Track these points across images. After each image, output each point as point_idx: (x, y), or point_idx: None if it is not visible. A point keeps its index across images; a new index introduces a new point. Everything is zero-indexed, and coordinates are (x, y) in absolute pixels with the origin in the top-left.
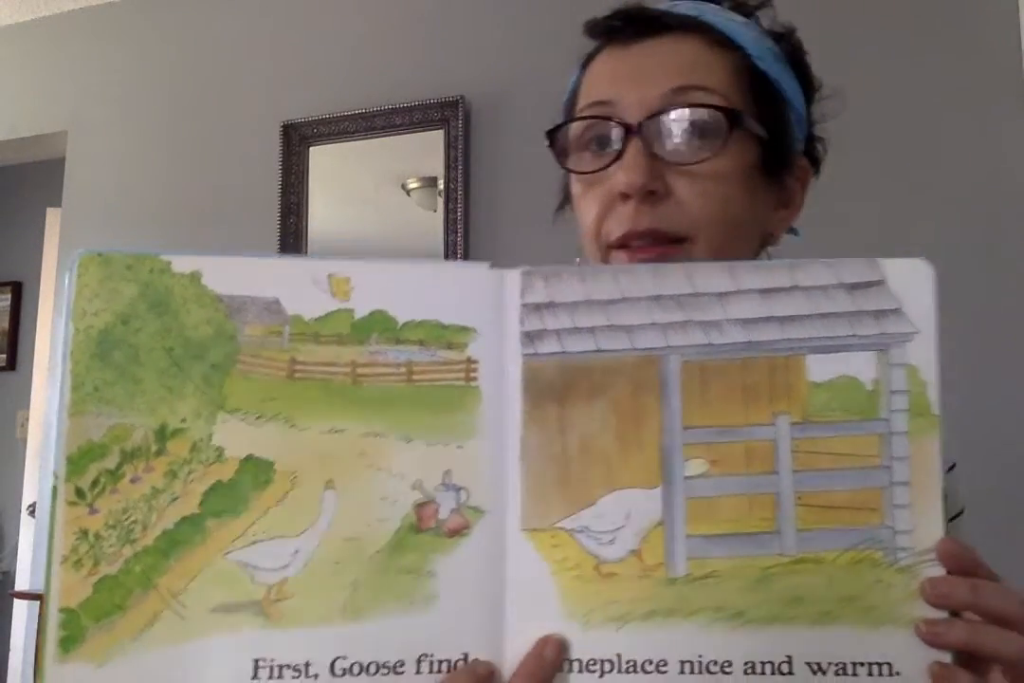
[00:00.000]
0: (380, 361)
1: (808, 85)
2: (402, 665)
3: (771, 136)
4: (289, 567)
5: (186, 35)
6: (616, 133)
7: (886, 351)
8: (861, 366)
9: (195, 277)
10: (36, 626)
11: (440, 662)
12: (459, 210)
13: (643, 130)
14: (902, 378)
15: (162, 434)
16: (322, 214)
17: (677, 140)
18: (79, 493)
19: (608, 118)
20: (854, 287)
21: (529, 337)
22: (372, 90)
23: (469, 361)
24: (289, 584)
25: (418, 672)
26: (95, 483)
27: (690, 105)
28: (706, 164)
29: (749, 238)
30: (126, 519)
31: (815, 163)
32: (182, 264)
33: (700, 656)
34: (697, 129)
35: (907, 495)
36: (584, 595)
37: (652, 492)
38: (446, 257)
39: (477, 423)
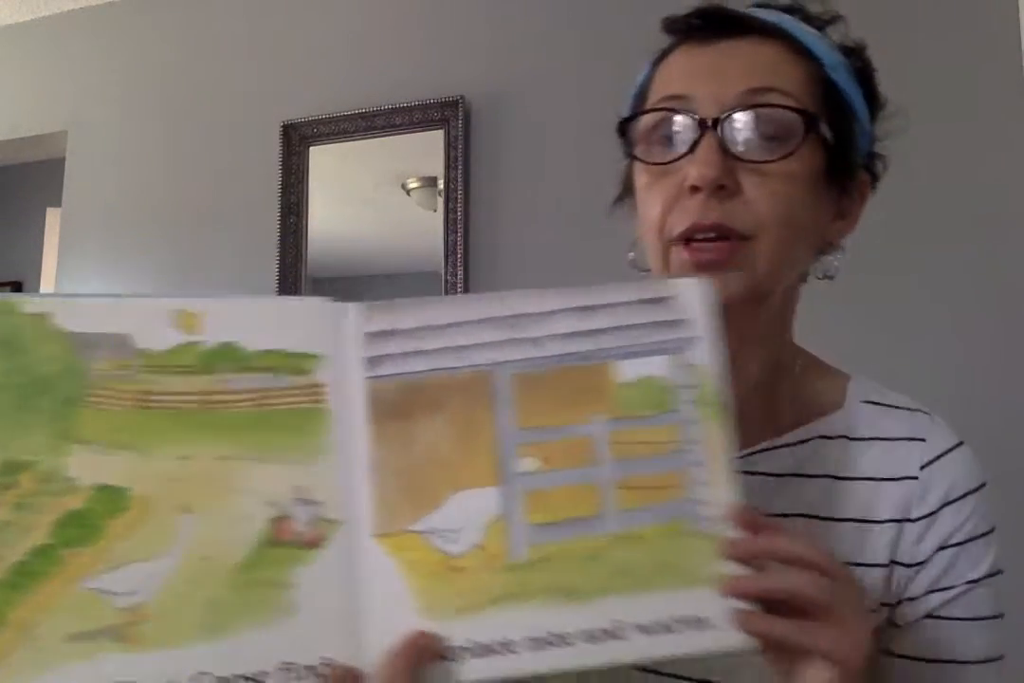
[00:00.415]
0: (230, 388)
1: (874, 101)
2: (265, 675)
3: (839, 145)
4: (144, 591)
5: (186, 35)
6: (690, 127)
7: (678, 353)
8: (658, 367)
9: (43, 317)
10: None
11: (303, 668)
12: (459, 210)
13: (718, 126)
14: (690, 375)
15: (8, 467)
16: (322, 214)
17: (751, 138)
18: None
19: (683, 112)
20: (650, 302)
21: (371, 362)
22: (372, 90)
23: (316, 385)
24: (145, 607)
25: (279, 681)
26: None
27: (767, 105)
28: (777, 164)
29: (809, 243)
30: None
31: (874, 179)
32: (31, 306)
33: (545, 632)
34: (771, 129)
35: (703, 472)
36: (435, 590)
37: (491, 490)
38: (446, 257)
39: (327, 441)
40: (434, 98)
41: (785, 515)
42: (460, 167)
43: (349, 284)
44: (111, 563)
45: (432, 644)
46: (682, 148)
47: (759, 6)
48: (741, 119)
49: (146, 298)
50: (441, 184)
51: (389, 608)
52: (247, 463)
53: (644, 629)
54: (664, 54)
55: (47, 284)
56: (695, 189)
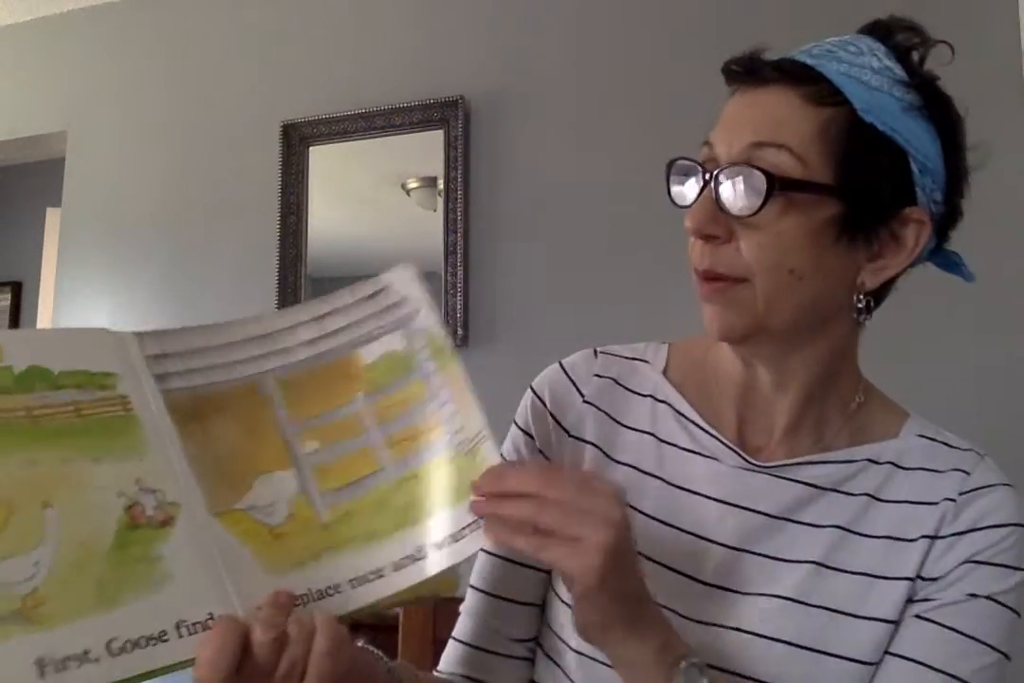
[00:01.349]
0: (49, 403)
1: (948, 135)
2: (165, 634)
3: (860, 192)
4: (35, 577)
5: (186, 35)
6: (699, 177)
7: (405, 327)
8: (393, 342)
9: None
10: None
11: (194, 624)
12: (459, 210)
13: (713, 180)
14: (419, 338)
15: None
16: (322, 214)
17: (729, 194)
18: None
19: (700, 162)
20: (370, 297)
21: (159, 378)
22: (372, 90)
23: (122, 396)
24: (40, 591)
25: (179, 636)
26: None
27: (747, 164)
28: (761, 218)
29: (818, 286)
30: None
31: (955, 213)
32: None
33: (364, 571)
34: (749, 186)
35: (453, 406)
36: (270, 553)
37: (287, 472)
38: (446, 257)
39: (146, 441)
40: (434, 98)
41: (816, 525)
42: (460, 167)
43: (349, 284)
44: None
45: (286, 597)
46: (692, 196)
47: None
48: (727, 174)
49: None
50: (441, 184)
51: (242, 569)
52: (88, 462)
53: (439, 545)
54: (732, 94)
55: (47, 284)
56: (693, 235)
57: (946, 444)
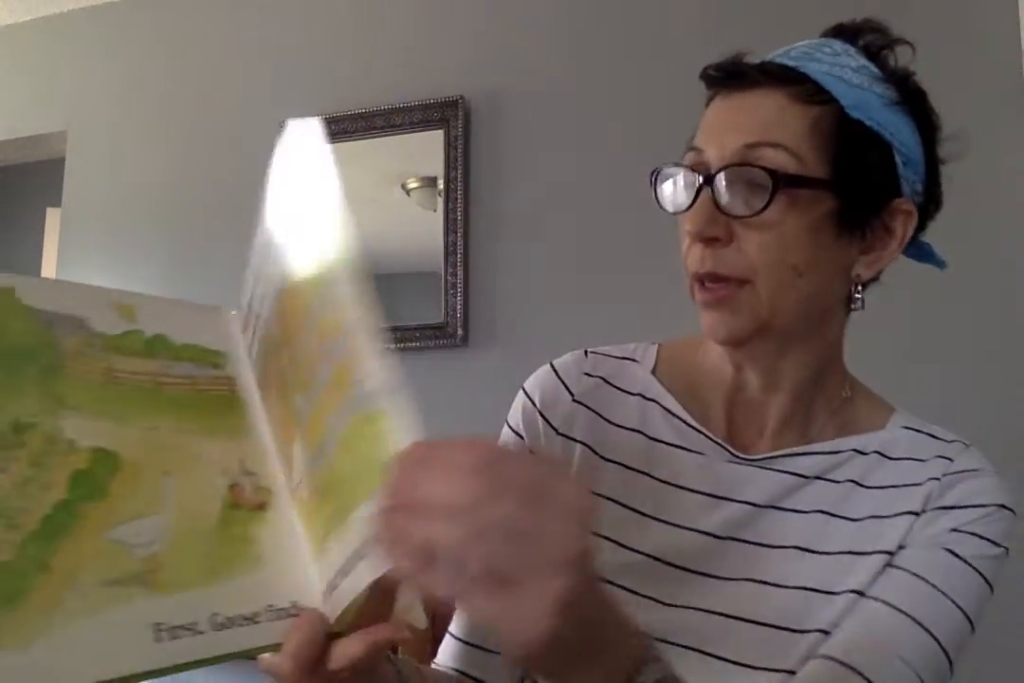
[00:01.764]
0: (170, 373)
1: (926, 128)
2: (258, 615)
3: (853, 185)
4: (155, 543)
5: (186, 35)
6: (694, 181)
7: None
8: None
9: (9, 291)
10: None
11: (279, 610)
12: (459, 210)
13: (711, 182)
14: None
15: (16, 427)
16: None
17: (733, 194)
18: None
19: (689, 167)
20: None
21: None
22: (372, 90)
23: (229, 377)
24: (159, 557)
25: (268, 620)
26: None
27: (745, 164)
28: (764, 217)
29: (822, 280)
30: (5, 507)
31: (935, 202)
32: None
33: (355, 550)
34: (749, 186)
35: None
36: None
37: (298, 444)
38: (446, 257)
39: (248, 424)
40: (434, 98)
41: (801, 511)
42: (460, 167)
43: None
44: (121, 517)
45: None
46: (687, 200)
47: (831, 34)
48: (726, 176)
49: (86, 286)
50: (441, 184)
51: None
52: (202, 437)
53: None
54: (709, 100)
55: None
56: (694, 238)
57: (932, 436)
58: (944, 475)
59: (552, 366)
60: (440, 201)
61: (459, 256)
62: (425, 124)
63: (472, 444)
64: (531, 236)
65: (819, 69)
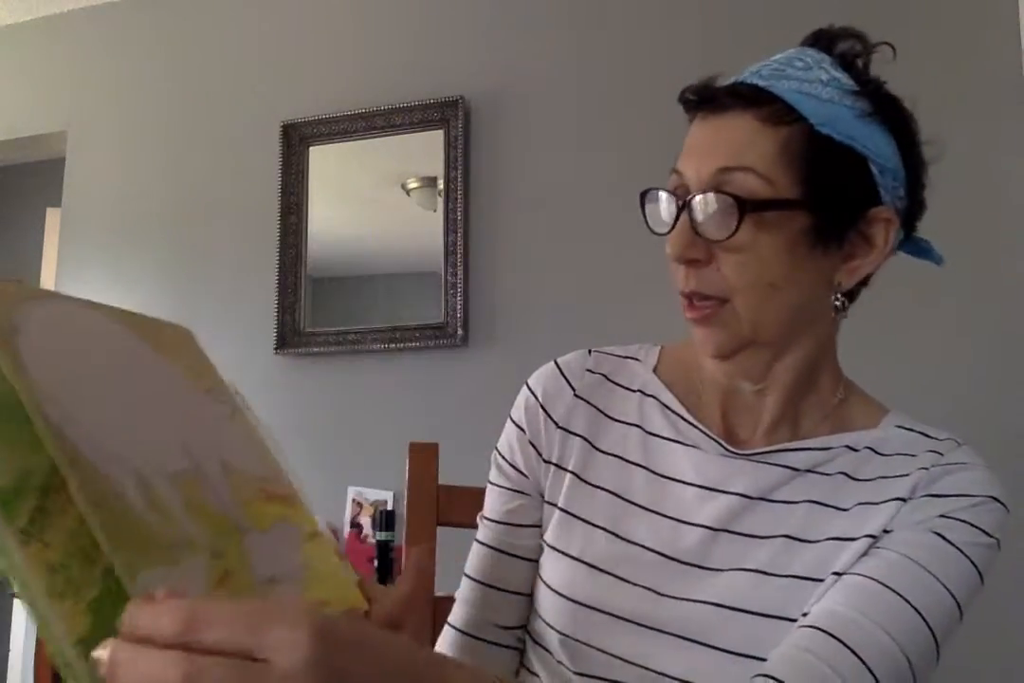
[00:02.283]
0: None
1: (903, 135)
2: None
3: (827, 201)
4: None
5: (186, 35)
6: (673, 205)
7: None
8: None
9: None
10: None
11: None
12: (459, 210)
13: (689, 206)
14: None
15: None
16: (322, 214)
17: (706, 218)
18: (25, 533)
19: (671, 190)
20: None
21: None
22: (372, 90)
23: None
24: None
25: None
26: (32, 521)
27: (717, 190)
28: (736, 239)
29: (797, 294)
30: (76, 544)
31: (919, 205)
32: None
33: None
34: (722, 210)
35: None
36: None
37: None
38: (446, 257)
39: None
40: (434, 98)
41: (791, 502)
42: (460, 167)
43: (349, 284)
44: None
45: None
46: (668, 223)
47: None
48: (700, 201)
49: None
50: (441, 184)
51: None
52: None
53: None
54: (691, 121)
55: (47, 284)
56: (675, 260)
57: (924, 434)
58: (934, 466)
59: (556, 363)
60: (440, 201)
61: (459, 256)
62: (425, 124)
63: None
64: (531, 236)
65: (788, 87)
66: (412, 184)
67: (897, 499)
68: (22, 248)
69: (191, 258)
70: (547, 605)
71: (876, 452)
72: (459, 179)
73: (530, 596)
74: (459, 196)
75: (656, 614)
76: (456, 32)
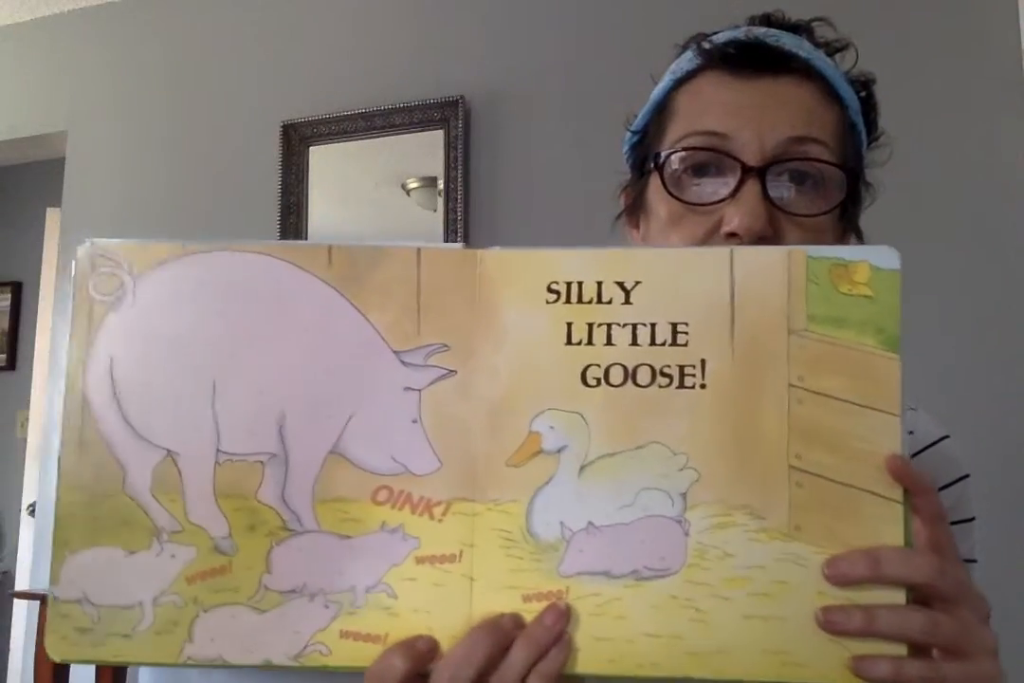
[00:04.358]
0: None
1: (872, 132)
2: None
3: (856, 192)
4: None
5: (186, 35)
6: (732, 170)
7: None
8: None
9: None
10: (37, 625)
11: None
12: (459, 210)
13: (764, 174)
14: None
15: None
16: (322, 214)
17: (796, 192)
18: None
19: (727, 153)
20: None
21: None
22: (372, 90)
23: None
24: None
25: None
26: None
27: (813, 159)
28: (815, 218)
29: None
30: None
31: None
32: None
33: None
34: (817, 184)
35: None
36: None
37: None
38: None
39: None
40: (434, 98)
41: None
42: (460, 167)
43: None
44: None
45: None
46: (722, 191)
47: (767, 23)
48: (786, 170)
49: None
50: (441, 184)
51: None
52: None
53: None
54: (690, 76)
55: (47, 284)
56: (732, 236)
57: None
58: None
59: None
60: (440, 201)
61: None
62: (425, 124)
63: None
64: (531, 236)
65: (830, 66)
66: (412, 184)
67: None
68: (22, 248)
69: None
70: None
71: None
72: (459, 179)
73: None
74: (459, 196)
75: None
76: (456, 32)
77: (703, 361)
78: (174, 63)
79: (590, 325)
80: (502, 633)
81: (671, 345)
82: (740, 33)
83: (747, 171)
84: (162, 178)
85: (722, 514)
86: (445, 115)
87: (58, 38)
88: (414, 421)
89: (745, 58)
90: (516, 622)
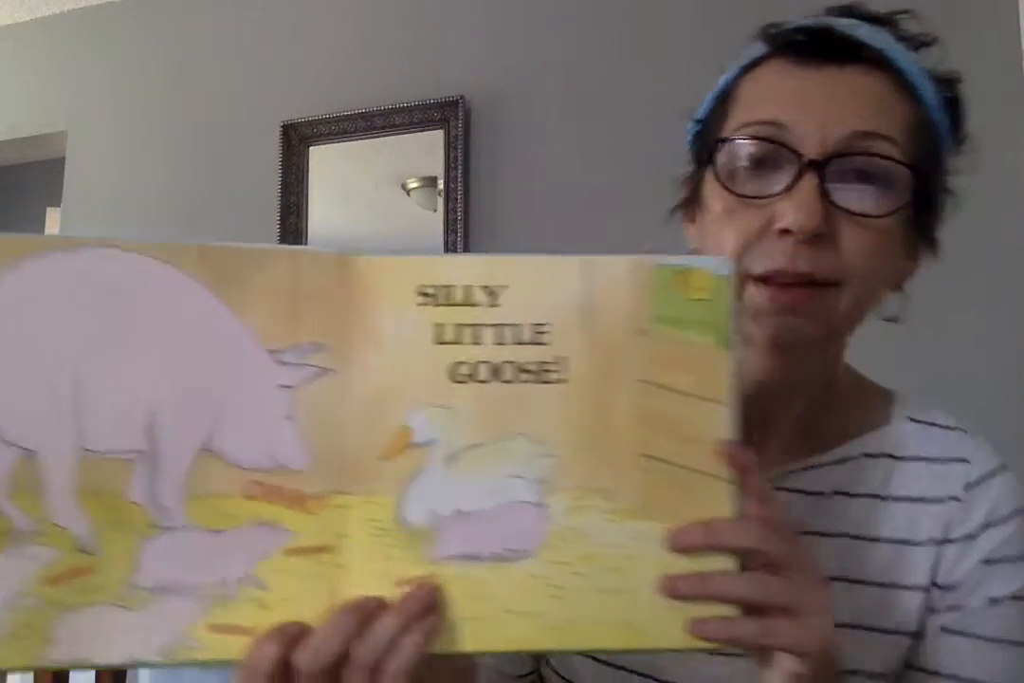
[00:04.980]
0: None
1: (957, 135)
2: None
3: (932, 192)
4: None
5: (186, 35)
6: (790, 163)
7: None
8: None
9: None
10: None
11: None
12: (459, 210)
13: (823, 169)
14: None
15: None
16: (322, 214)
17: (859, 190)
18: None
19: (784, 145)
20: None
21: None
22: (372, 90)
23: None
24: None
25: None
26: None
27: (878, 155)
28: (879, 219)
29: (888, 287)
30: None
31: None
32: None
33: None
34: (878, 181)
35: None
36: None
37: None
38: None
39: None
40: (434, 98)
41: (827, 534)
42: (460, 167)
43: None
44: None
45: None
46: (777, 184)
47: (848, 14)
48: (848, 166)
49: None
50: (441, 184)
51: None
52: None
53: None
54: (756, 63)
55: None
56: (786, 232)
57: (935, 425)
58: (965, 489)
59: None
60: (440, 201)
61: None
62: (425, 124)
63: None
64: (531, 236)
65: (908, 58)
66: (412, 184)
67: (932, 541)
68: None
69: None
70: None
71: (894, 457)
72: (459, 179)
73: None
74: (459, 196)
75: (679, 672)
76: (456, 32)
77: (562, 359)
78: (174, 63)
79: (459, 326)
80: (366, 612)
81: (534, 344)
82: (811, 21)
83: (805, 165)
84: (162, 178)
85: (578, 498)
86: (445, 115)
87: (58, 38)
88: (287, 417)
89: (812, 45)
90: (380, 603)
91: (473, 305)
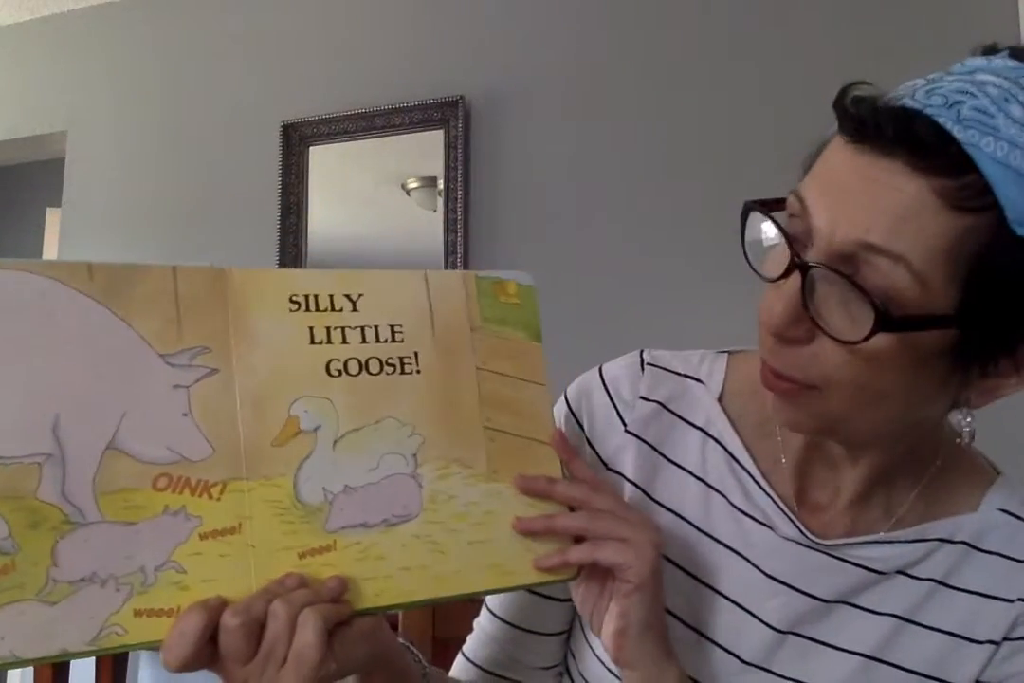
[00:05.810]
0: None
1: None
2: None
3: (987, 322)
4: None
5: (186, 35)
6: (786, 256)
7: None
8: None
9: None
10: None
11: None
12: (459, 210)
13: (807, 273)
14: None
15: None
16: (322, 214)
17: (823, 302)
18: None
19: (787, 233)
20: None
21: None
22: (372, 90)
23: None
24: None
25: None
26: None
27: (852, 283)
28: (862, 344)
29: (908, 405)
30: None
31: None
32: None
33: None
34: (847, 303)
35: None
36: None
37: None
38: (445, 257)
39: None
40: (434, 98)
41: (876, 612)
42: (460, 167)
43: None
44: None
45: (293, 580)
46: (772, 273)
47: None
48: (826, 279)
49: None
50: (441, 184)
51: None
52: None
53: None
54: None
55: None
56: (767, 331)
57: None
58: None
59: (602, 378)
60: (440, 201)
61: (459, 256)
62: (425, 124)
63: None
64: (531, 237)
65: (993, 153)
66: (412, 184)
67: (991, 642)
68: (22, 248)
69: (191, 258)
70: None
71: (972, 547)
72: (459, 179)
73: (566, 633)
74: (459, 196)
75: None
76: (456, 32)
77: (416, 353)
78: (174, 63)
79: (328, 328)
80: (285, 587)
81: (392, 342)
82: (885, 100)
83: (795, 264)
84: (162, 178)
85: (443, 467)
86: (445, 115)
87: (58, 38)
88: (184, 414)
89: (860, 120)
90: (300, 581)
91: (338, 310)
